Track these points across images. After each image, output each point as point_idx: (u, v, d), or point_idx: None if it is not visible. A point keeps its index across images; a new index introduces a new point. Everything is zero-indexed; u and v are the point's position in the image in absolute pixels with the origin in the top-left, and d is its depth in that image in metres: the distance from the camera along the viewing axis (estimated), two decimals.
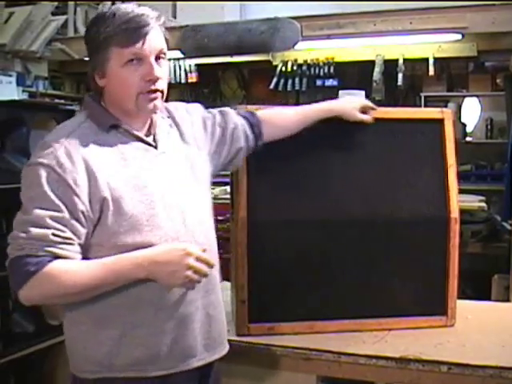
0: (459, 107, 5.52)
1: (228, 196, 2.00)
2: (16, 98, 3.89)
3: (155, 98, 1.41)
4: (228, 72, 6.06)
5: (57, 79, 5.80)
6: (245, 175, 1.76)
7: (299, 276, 1.80)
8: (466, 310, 1.91)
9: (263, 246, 1.77)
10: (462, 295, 2.14)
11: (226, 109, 1.71)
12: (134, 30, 1.36)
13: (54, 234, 1.30)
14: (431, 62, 4.77)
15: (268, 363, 1.71)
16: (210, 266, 1.38)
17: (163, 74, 1.42)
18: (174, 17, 4.68)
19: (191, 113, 1.64)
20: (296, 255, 1.80)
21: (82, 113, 1.46)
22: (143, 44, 1.36)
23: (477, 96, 5.66)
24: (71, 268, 1.32)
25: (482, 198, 4.12)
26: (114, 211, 1.35)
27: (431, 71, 4.79)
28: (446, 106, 5.16)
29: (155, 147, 1.46)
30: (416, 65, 5.26)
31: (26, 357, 2.52)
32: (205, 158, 1.59)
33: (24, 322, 2.55)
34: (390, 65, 4.89)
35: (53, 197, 1.31)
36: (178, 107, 1.62)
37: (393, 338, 1.77)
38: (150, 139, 1.46)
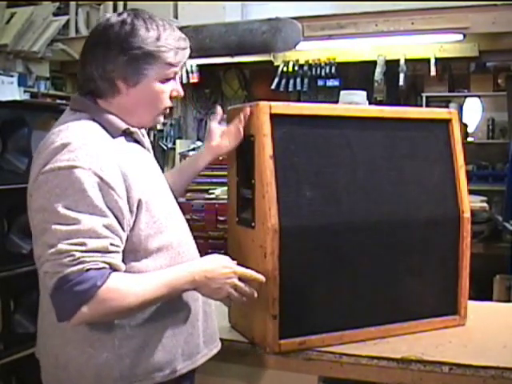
0: (461, 107, 5.53)
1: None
2: (18, 98, 3.90)
3: (166, 113, 1.48)
4: (229, 72, 6.07)
5: (58, 80, 5.81)
6: (273, 180, 1.62)
7: (325, 285, 1.72)
8: (468, 310, 1.91)
9: (291, 255, 1.65)
10: None
11: None
12: (184, 52, 1.42)
13: (111, 244, 1.24)
14: (433, 62, 4.77)
15: (269, 364, 1.71)
16: (259, 281, 1.47)
17: None
18: (176, 17, 4.69)
19: None
20: (321, 263, 1.71)
21: (80, 114, 1.38)
22: (182, 65, 1.43)
23: (478, 96, 5.66)
24: (133, 281, 1.27)
25: (484, 198, 4.12)
26: (145, 214, 1.33)
27: (433, 71, 4.80)
28: (447, 107, 5.16)
29: (148, 150, 1.50)
30: (417, 65, 5.26)
31: (27, 357, 2.52)
32: None
33: (25, 322, 2.55)
34: (392, 65, 4.89)
35: (99, 202, 1.23)
36: None
37: (394, 339, 1.76)
38: (144, 142, 1.48)
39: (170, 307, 1.39)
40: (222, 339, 1.65)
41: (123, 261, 1.29)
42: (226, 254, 1.74)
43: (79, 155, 1.24)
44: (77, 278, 1.18)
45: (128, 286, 1.25)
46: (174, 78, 1.43)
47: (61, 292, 1.19)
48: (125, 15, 1.38)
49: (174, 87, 1.44)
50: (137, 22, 1.36)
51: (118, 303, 1.23)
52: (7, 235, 2.46)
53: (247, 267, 1.52)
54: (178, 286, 1.34)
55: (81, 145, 1.27)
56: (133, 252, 1.33)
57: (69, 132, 1.31)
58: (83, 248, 1.19)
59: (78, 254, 1.19)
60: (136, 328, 1.33)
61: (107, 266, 1.23)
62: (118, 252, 1.27)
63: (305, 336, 1.69)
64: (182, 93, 1.47)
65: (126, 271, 1.30)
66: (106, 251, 1.23)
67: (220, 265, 1.41)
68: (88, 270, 1.19)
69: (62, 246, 1.19)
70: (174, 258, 1.40)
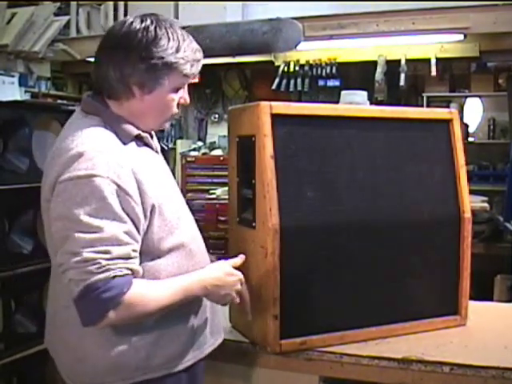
0: (461, 107, 5.52)
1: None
2: (18, 98, 3.89)
3: (172, 120, 1.52)
4: (230, 73, 6.07)
5: (59, 80, 5.81)
6: (274, 180, 1.63)
7: (326, 285, 1.72)
8: (469, 310, 1.91)
9: (292, 255, 1.65)
10: None
11: None
12: (199, 64, 1.45)
13: (133, 250, 1.30)
14: (433, 62, 4.76)
15: (270, 364, 1.71)
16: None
17: None
18: (176, 17, 4.68)
19: None
20: (322, 263, 1.71)
21: (92, 118, 1.39)
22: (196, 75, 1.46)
23: (479, 96, 5.66)
24: (153, 287, 1.34)
25: (485, 198, 4.11)
26: (158, 218, 1.37)
27: (433, 71, 4.79)
28: (448, 107, 5.16)
29: (156, 152, 1.53)
30: (418, 65, 5.26)
31: (28, 357, 2.52)
32: None
33: (26, 322, 2.55)
34: (393, 65, 4.89)
35: (118, 209, 1.27)
36: None
37: (395, 339, 1.76)
38: (153, 144, 1.51)
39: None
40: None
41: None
42: (225, 254, 1.75)
43: (96, 164, 1.27)
44: (104, 285, 1.23)
45: (149, 292, 1.32)
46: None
47: (87, 299, 1.24)
48: (148, 22, 1.39)
49: (182, 95, 1.47)
50: (159, 31, 1.38)
51: (142, 308, 1.30)
52: (8, 235, 2.46)
53: (248, 267, 1.53)
54: (191, 293, 1.40)
55: (97, 153, 1.29)
56: (146, 254, 1.37)
57: (83, 139, 1.32)
58: (108, 256, 1.24)
59: (103, 262, 1.23)
60: (152, 322, 1.38)
61: (130, 271, 1.28)
62: (137, 257, 1.32)
63: (306, 336, 1.69)
64: (188, 101, 1.49)
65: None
66: (128, 257, 1.28)
67: (226, 272, 1.48)
68: (114, 277, 1.24)
69: (87, 254, 1.23)
70: (185, 256, 1.45)
